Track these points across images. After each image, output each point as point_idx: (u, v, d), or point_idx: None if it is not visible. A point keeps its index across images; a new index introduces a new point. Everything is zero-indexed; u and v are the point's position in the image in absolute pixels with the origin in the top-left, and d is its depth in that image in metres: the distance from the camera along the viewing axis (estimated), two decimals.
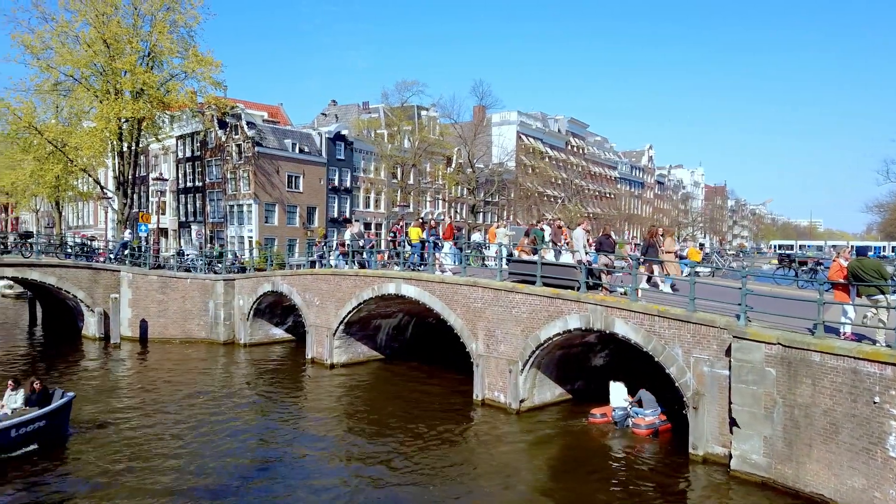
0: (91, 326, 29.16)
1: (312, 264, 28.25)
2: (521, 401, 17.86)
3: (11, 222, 75.37)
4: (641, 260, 17.06)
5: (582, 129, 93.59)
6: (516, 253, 19.56)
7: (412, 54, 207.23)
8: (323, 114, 69.28)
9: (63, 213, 57.90)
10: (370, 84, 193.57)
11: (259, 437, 16.04)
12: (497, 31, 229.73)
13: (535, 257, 18.11)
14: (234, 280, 29.25)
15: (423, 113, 63.31)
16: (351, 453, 15.08)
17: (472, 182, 60.23)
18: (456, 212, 66.07)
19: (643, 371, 17.66)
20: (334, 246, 28.37)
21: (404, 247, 24.14)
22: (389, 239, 28.74)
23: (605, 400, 17.86)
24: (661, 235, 18.25)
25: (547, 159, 78.30)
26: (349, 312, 23.50)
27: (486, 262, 24.33)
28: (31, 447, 14.33)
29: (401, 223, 29.70)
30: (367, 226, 54.68)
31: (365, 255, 24.91)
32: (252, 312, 28.43)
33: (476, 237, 31.52)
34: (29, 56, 33.75)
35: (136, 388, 20.86)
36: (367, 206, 59.71)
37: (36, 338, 31.69)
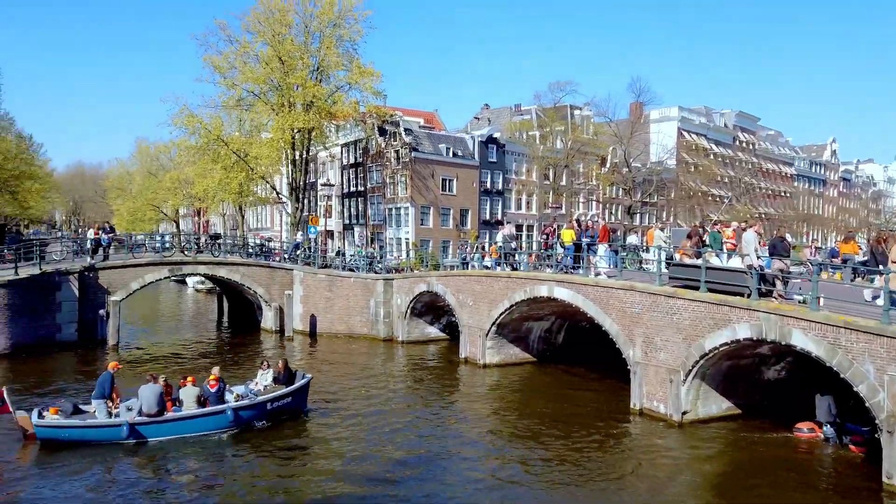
0: (268, 320, 32.01)
1: (465, 265, 28.83)
2: (684, 412, 16.84)
3: (203, 224, 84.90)
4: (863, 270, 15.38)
5: (752, 122, 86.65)
6: (677, 256, 18.50)
7: (567, 54, 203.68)
8: (476, 118, 70.45)
9: (245, 217, 64.22)
10: (523, 87, 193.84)
11: (416, 432, 16.57)
12: (656, 19, 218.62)
13: (699, 261, 17.01)
14: (392, 280, 30.61)
15: (577, 112, 62.13)
16: (502, 453, 15.14)
17: (628, 182, 58.11)
18: (611, 213, 64.09)
19: (827, 387, 15.92)
20: (475, 249, 28.93)
21: (556, 249, 23.82)
22: (541, 241, 28.57)
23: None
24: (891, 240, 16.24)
25: (711, 156, 73.47)
26: (501, 314, 23.63)
27: (643, 266, 23.32)
28: (281, 419, 16.33)
29: (553, 225, 29.40)
30: (519, 227, 54.70)
31: (517, 257, 24.96)
32: (409, 311, 29.56)
33: (632, 239, 30.35)
34: (217, 76, 38.05)
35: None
36: (519, 207, 59.73)
37: (223, 328, 35.57)
